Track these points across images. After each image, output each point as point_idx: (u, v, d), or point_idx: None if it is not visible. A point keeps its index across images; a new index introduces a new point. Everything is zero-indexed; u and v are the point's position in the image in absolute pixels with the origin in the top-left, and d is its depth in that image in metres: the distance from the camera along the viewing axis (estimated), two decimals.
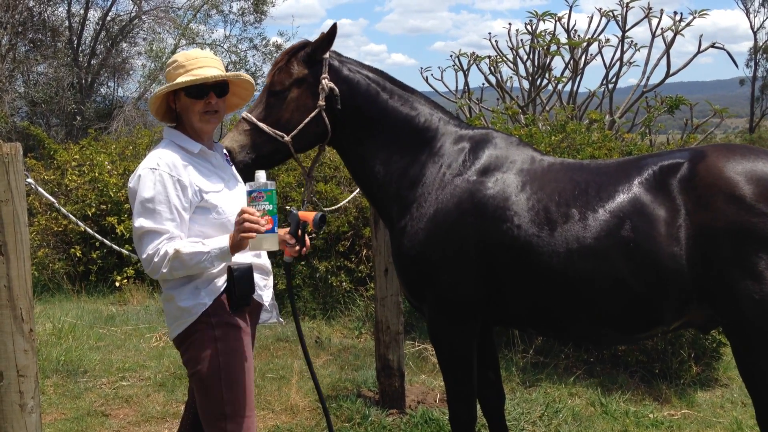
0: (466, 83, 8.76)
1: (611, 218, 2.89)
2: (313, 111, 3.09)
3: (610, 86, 7.71)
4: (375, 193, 3.32)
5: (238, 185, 2.88)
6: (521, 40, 8.24)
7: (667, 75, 7.32)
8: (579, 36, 8.01)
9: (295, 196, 6.84)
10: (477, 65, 8.50)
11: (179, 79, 2.70)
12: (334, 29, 3.11)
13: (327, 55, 3.13)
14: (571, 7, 7.85)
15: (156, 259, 2.53)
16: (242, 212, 2.51)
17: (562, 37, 7.78)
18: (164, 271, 2.54)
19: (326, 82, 3.08)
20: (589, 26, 8.07)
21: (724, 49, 6.90)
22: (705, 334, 3.13)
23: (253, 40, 21.35)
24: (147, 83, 17.87)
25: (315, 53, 3.12)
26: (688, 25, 7.11)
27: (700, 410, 4.74)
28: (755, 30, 48.11)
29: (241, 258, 2.68)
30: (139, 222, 2.55)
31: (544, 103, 7.94)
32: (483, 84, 8.66)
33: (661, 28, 7.39)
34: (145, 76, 18.06)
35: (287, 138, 3.07)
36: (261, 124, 3.07)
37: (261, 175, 2.64)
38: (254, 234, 2.50)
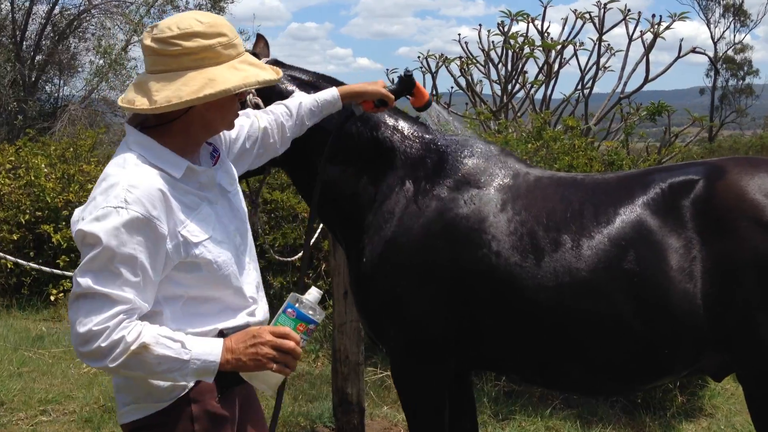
0: (435, 86, 8.35)
1: (611, 247, 2.43)
2: None
3: (586, 92, 7.36)
4: (327, 213, 2.83)
5: (230, 199, 2.04)
6: (493, 41, 7.88)
7: (646, 80, 7.01)
8: (552, 39, 7.67)
9: None
10: (446, 67, 8.10)
11: (266, 74, 1.90)
12: None
13: None
14: (545, 8, 7.47)
15: (103, 344, 1.67)
16: (288, 336, 1.81)
17: (537, 40, 7.42)
18: (109, 364, 1.69)
19: (251, 97, 2.62)
20: (563, 28, 7.74)
21: (706, 54, 6.61)
22: (718, 381, 2.69)
23: None
24: (95, 81, 17.05)
25: None
26: (668, 28, 6.81)
27: None
28: (715, 40, 49.00)
29: (234, 321, 1.93)
30: (85, 280, 1.69)
31: (516, 109, 7.56)
32: (452, 87, 8.28)
33: (641, 31, 7.10)
34: (92, 74, 17.21)
35: None
36: None
37: (315, 296, 1.93)
38: (285, 370, 1.82)
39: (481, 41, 7.97)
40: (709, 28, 49.13)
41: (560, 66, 7.55)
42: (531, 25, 7.61)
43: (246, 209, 2.11)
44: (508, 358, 2.67)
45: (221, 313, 1.91)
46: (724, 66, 50.88)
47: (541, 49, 7.29)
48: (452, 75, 8.11)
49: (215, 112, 1.88)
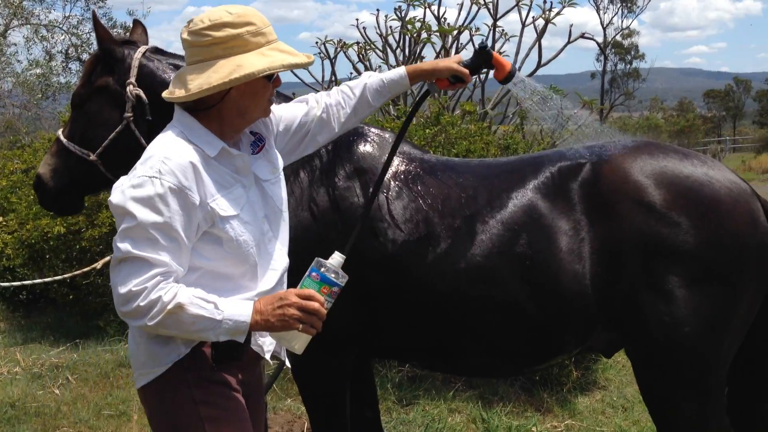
0: (333, 72, 8.24)
1: (504, 231, 2.45)
2: (119, 124, 2.51)
3: (482, 76, 7.45)
4: None
5: (265, 188, 2.11)
6: (390, 27, 7.84)
7: (539, 65, 7.16)
8: (449, 25, 7.71)
9: None
10: (345, 53, 8.01)
11: (293, 59, 1.98)
12: (93, 19, 2.63)
13: (138, 55, 2.54)
14: None
15: (142, 303, 1.79)
16: (312, 298, 1.89)
17: (433, 25, 7.43)
18: (148, 322, 1.81)
19: (131, 89, 2.49)
20: (459, 14, 7.81)
21: (594, 40, 6.83)
22: (608, 358, 2.77)
23: None
24: None
25: (110, 54, 2.55)
26: (558, 14, 6.97)
27: (582, 419, 4.53)
28: (605, 26, 51.03)
29: (241, 296, 1.99)
30: (124, 245, 1.82)
31: (415, 94, 7.58)
32: (351, 73, 8.18)
33: (533, 17, 7.23)
34: None
35: (93, 156, 2.53)
36: (67, 143, 2.56)
37: (338, 260, 2.01)
38: (310, 330, 1.90)
39: (379, 26, 7.93)
40: (599, 14, 51.11)
41: (457, 51, 7.58)
42: (428, 10, 7.64)
43: (285, 198, 2.19)
44: (408, 346, 2.66)
45: (231, 293, 1.96)
46: (613, 51, 53.16)
47: (437, 34, 7.30)
48: (351, 61, 8.03)
49: (249, 98, 1.98)
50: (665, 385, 2.47)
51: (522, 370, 2.96)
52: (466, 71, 2.48)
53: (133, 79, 2.49)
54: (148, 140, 2.51)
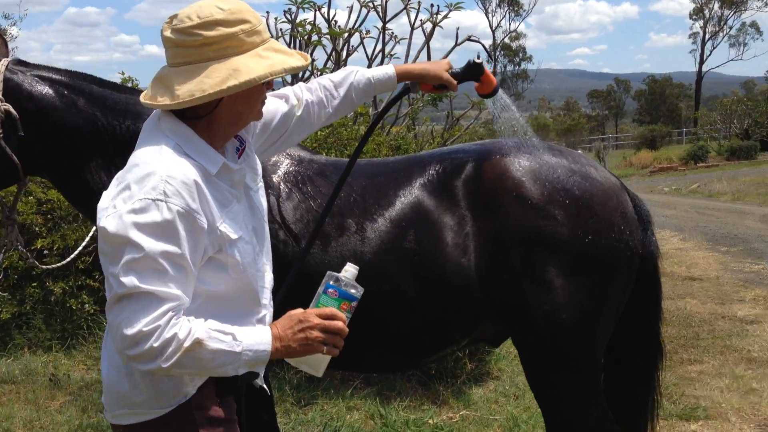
0: None
1: (392, 228, 2.52)
2: None
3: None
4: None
5: (252, 197, 1.94)
6: (281, 29, 7.80)
7: None
8: (339, 27, 7.75)
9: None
10: None
11: (293, 61, 1.78)
12: None
13: (1, 68, 2.41)
14: None
15: (155, 344, 1.57)
16: (335, 317, 1.76)
17: (324, 28, 7.44)
18: (162, 364, 1.60)
19: None
20: (349, 17, 7.85)
21: (480, 43, 7.00)
22: (495, 347, 2.89)
23: None
24: None
25: None
26: (445, 17, 7.13)
27: (476, 409, 4.69)
28: (494, 29, 52.68)
29: (243, 320, 1.86)
30: (129, 279, 1.57)
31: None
32: None
33: (420, 20, 7.35)
34: None
35: None
36: None
37: (353, 272, 1.86)
38: (334, 351, 1.79)
39: (269, 29, 7.87)
40: (488, 18, 52.71)
41: (348, 54, 7.62)
42: (318, 13, 7.64)
43: (266, 206, 2.03)
44: None
45: (232, 318, 1.80)
46: (502, 53, 54.97)
47: (328, 36, 7.33)
48: None
49: (243, 104, 1.78)
50: (547, 369, 2.61)
51: (413, 363, 3.03)
52: (454, 82, 2.46)
53: None
54: (20, 156, 2.41)
